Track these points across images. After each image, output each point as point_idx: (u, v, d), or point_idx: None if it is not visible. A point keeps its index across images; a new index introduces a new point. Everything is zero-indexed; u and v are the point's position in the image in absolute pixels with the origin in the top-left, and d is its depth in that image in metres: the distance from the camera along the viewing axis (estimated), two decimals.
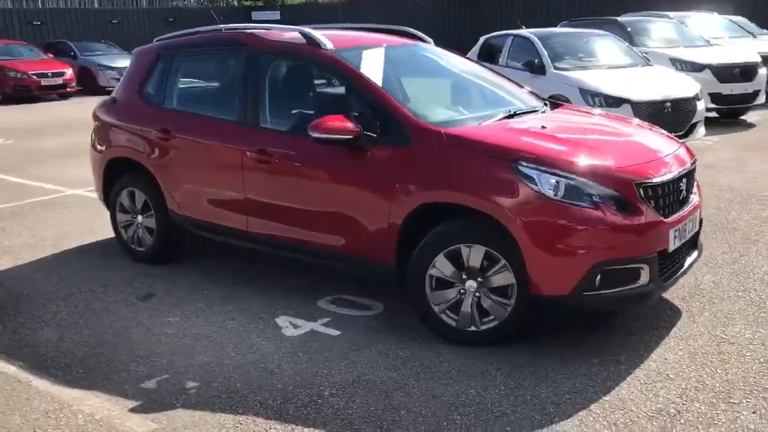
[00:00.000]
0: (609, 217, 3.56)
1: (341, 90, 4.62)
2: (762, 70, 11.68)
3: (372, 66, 4.44)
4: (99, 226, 6.47)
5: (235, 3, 34.83)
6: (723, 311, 4.28)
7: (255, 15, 31.35)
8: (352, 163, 4.13)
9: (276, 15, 30.24)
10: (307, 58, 4.67)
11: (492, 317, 3.83)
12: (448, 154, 3.85)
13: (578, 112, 5.11)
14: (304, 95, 4.93)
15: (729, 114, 12.00)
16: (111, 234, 6.10)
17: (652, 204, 3.70)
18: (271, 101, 4.63)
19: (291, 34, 4.82)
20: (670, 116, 8.77)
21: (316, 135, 4.06)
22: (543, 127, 4.17)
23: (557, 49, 10.30)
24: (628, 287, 3.66)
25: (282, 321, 4.35)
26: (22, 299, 4.85)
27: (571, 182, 3.59)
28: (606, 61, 10.19)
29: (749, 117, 12.07)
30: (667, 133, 4.61)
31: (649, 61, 10.53)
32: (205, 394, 3.51)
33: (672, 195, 3.86)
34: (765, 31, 16.31)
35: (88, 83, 21.65)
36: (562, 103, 5.13)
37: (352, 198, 4.17)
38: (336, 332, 4.18)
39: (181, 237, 5.38)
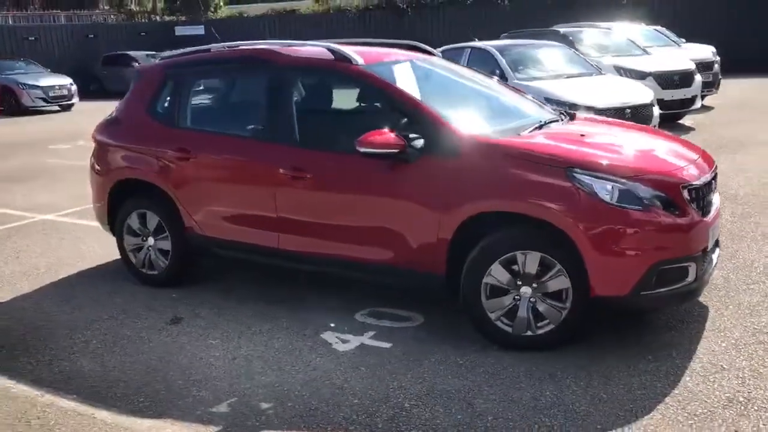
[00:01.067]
0: (663, 219, 3.75)
1: (376, 104, 4.66)
2: (698, 77, 12.39)
3: (405, 80, 4.51)
4: (88, 252, 6.29)
5: (158, 18, 34.04)
6: (744, 303, 4.55)
7: (178, 30, 30.75)
8: (396, 176, 4.17)
9: (200, 30, 29.72)
10: (339, 73, 4.68)
11: (547, 321, 3.95)
12: (501, 165, 3.95)
13: (596, 121, 5.31)
14: (337, 110, 4.93)
15: (668, 118, 12.65)
16: (105, 259, 6.00)
17: (694, 205, 3.92)
18: (302, 117, 4.61)
19: (314, 49, 4.83)
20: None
21: (363, 150, 4.09)
22: (582, 135, 4.34)
23: (514, 60, 10.61)
24: (679, 285, 3.85)
25: (329, 337, 4.34)
26: (42, 330, 4.64)
27: (624, 187, 3.76)
28: (562, 71, 10.56)
29: (686, 121, 12.76)
30: (686, 140, 4.87)
31: (600, 70, 10.99)
32: (285, 414, 3.47)
33: (707, 196, 4.10)
34: (684, 40, 17.28)
35: (10, 103, 20.73)
36: (573, 113, 5.32)
37: (398, 210, 4.21)
38: (387, 344, 4.20)
39: (198, 258, 5.28)
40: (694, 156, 4.34)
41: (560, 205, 3.77)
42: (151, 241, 5.26)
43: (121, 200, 5.38)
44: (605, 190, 3.75)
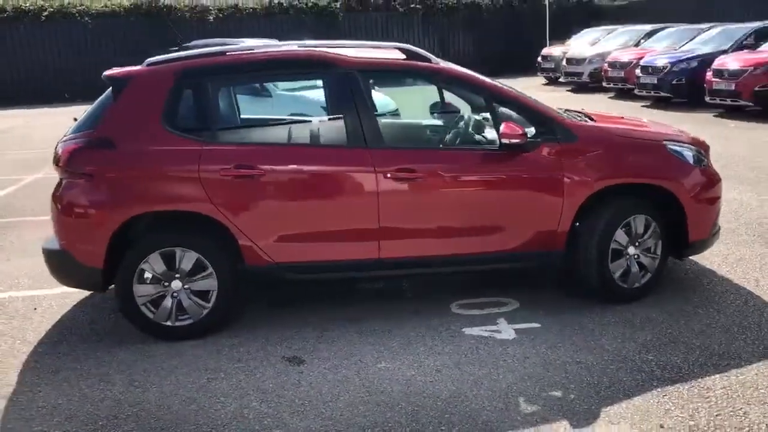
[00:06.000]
0: (712, 173, 4.80)
1: (464, 100, 4.70)
2: None
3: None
4: (78, 326, 4.77)
5: None
6: None
7: None
8: (514, 164, 4.40)
9: None
10: (424, 73, 4.59)
11: (648, 272, 4.68)
12: (613, 146, 4.53)
13: (611, 115, 5.96)
14: (427, 109, 4.75)
15: None
16: (94, 326, 4.69)
17: None
18: (391, 118, 4.43)
19: (379, 51, 4.63)
20: None
21: (507, 141, 4.24)
22: (625, 121, 5.14)
23: None
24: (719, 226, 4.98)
25: (474, 331, 4.32)
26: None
27: (694, 153, 4.73)
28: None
29: None
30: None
31: None
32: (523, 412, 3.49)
33: None
34: None
35: None
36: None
37: (519, 198, 4.45)
38: (536, 324, 4.42)
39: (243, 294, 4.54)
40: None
41: (668, 171, 4.55)
42: (176, 285, 4.31)
43: (123, 242, 4.27)
44: (691, 156, 4.67)
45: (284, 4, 25.98)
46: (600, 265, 4.53)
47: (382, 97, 7.18)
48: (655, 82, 15.46)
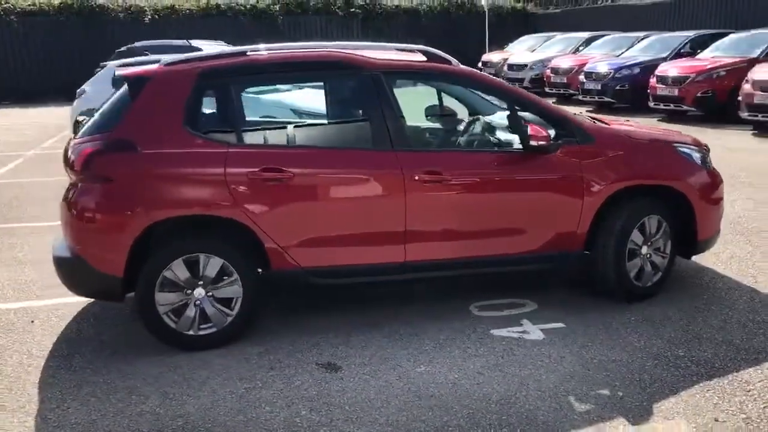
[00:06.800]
0: (715, 173, 4.99)
1: (485, 103, 4.70)
2: None
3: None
4: (85, 338, 4.53)
5: None
6: None
7: None
8: (538, 166, 4.46)
9: None
10: (448, 75, 4.58)
11: (659, 271, 4.81)
12: (629, 147, 4.64)
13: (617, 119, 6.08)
14: (454, 111, 4.72)
15: None
16: (108, 339, 4.48)
17: None
18: (417, 120, 4.41)
19: (401, 54, 4.60)
20: None
21: (535, 144, 4.29)
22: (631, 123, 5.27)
23: None
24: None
25: (484, 337, 4.34)
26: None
27: (701, 154, 4.90)
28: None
29: None
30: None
31: None
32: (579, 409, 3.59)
33: None
34: None
35: None
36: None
37: (542, 199, 4.51)
38: (561, 324, 4.47)
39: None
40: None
41: (679, 172, 4.70)
42: (199, 292, 4.16)
43: (142, 249, 4.09)
44: (697, 157, 4.84)
45: (222, 6, 25.54)
46: (617, 265, 4.63)
47: None
48: (599, 87, 15.97)
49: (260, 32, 24.50)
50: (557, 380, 3.78)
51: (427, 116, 5.52)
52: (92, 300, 5.02)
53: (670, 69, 14.14)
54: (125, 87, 4.30)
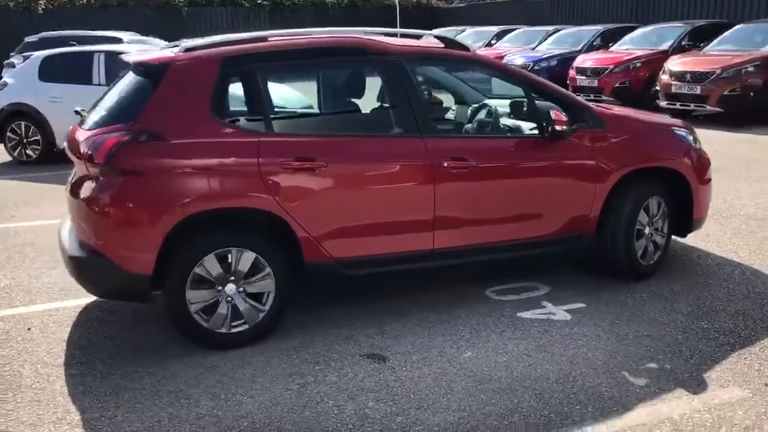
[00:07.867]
0: (707, 156, 5.28)
1: (502, 89, 4.72)
2: None
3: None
4: (98, 343, 4.21)
5: None
6: None
7: None
8: (557, 151, 4.56)
9: None
10: (467, 61, 4.57)
11: (658, 249, 5.04)
12: (636, 132, 4.82)
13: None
14: (476, 97, 4.69)
15: None
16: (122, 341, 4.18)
17: None
18: (439, 106, 4.40)
19: (418, 40, 4.56)
20: None
21: (558, 128, 4.38)
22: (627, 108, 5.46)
23: None
24: None
25: (514, 320, 4.41)
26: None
27: (692, 136, 5.16)
28: None
29: None
30: None
31: None
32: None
33: None
34: None
35: None
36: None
37: (560, 183, 4.61)
38: (583, 304, 4.60)
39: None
40: None
41: (679, 154, 4.94)
42: (231, 288, 3.99)
43: (173, 245, 3.88)
44: (691, 139, 5.09)
45: None
46: (627, 245, 4.81)
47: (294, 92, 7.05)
48: None
49: (163, 24, 23.69)
50: (604, 357, 3.88)
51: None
52: (85, 303, 4.74)
53: (588, 60, 14.77)
54: (140, 74, 4.05)
